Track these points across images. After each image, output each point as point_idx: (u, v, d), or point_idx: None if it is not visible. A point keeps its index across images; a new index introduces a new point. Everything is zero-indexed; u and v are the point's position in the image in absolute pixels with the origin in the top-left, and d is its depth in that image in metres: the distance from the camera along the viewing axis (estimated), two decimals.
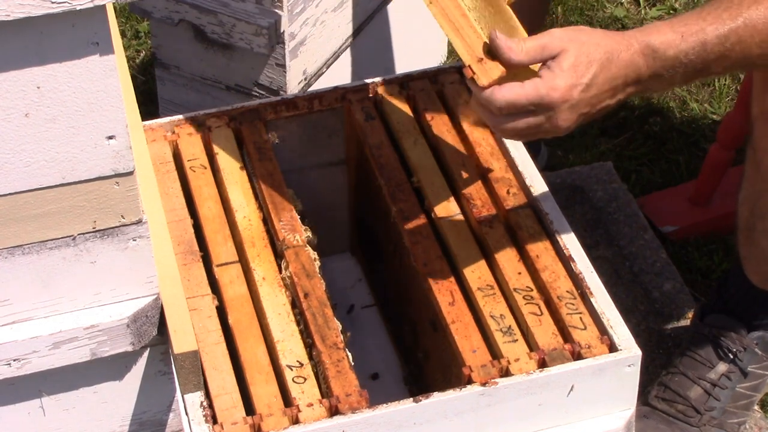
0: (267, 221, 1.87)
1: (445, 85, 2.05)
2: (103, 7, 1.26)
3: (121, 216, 1.42)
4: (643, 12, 3.02)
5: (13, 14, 1.23)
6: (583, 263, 1.79)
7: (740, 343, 2.10)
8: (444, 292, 1.77)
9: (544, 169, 2.61)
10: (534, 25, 2.41)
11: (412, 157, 1.95)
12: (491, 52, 1.61)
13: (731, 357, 2.10)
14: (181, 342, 1.49)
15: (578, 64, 1.60)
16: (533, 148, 2.55)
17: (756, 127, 1.92)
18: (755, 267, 2.04)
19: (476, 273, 1.79)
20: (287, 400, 1.65)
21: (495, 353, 1.70)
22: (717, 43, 1.62)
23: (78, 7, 1.24)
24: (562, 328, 1.72)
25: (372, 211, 2.04)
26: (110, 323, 1.49)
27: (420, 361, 1.94)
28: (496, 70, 1.61)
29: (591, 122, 2.76)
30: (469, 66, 1.61)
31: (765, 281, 2.05)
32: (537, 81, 1.60)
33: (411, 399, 1.63)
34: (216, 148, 1.97)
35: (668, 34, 1.62)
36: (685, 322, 2.33)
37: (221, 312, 1.76)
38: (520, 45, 1.60)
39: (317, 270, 1.80)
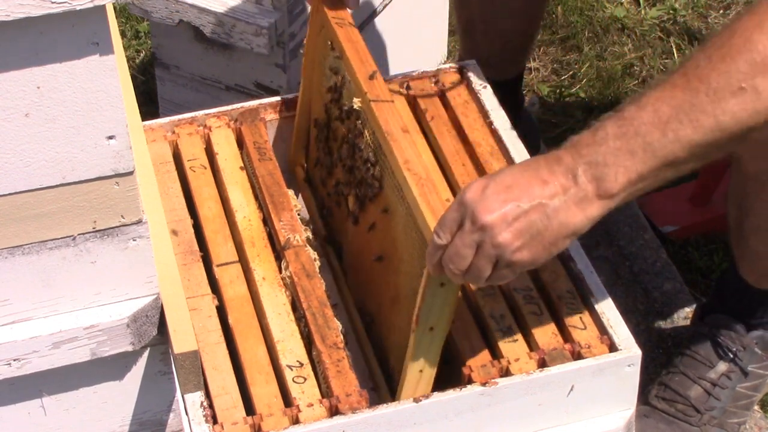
0: (267, 221, 1.87)
1: (445, 85, 2.05)
2: (103, 7, 1.26)
3: (121, 216, 1.42)
4: (643, 12, 3.02)
5: (13, 14, 1.23)
6: (583, 263, 1.79)
7: (740, 342, 2.10)
8: None
9: None
10: (532, 29, 2.42)
11: None
12: None
13: (731, 356, 2.10)
14: (181, 342, 1.49)
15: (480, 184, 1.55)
16: (533, 147, 2.55)
17: None
18: (748, 266, 2.04)
19: None
20: (287, 400, 1.65)
21: (495, 353, 1.70)
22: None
23: (78, 7, 1.24)
24: (562, 327, 1.72)
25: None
26: (110, 323, 1.49)
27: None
28: None
29: (591, 122, 2.77)
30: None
31: (759, 280, 2.05)
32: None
33: (411, 399, 1.63)
34: (216, 148, 1.97)
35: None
36: (685, 322, 2.33)
37: (221, 312, 1.76)
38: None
39: (317, 270, 1.80)
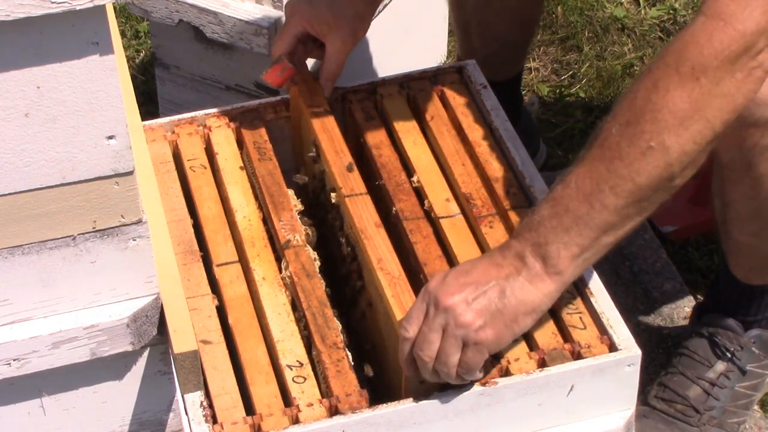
0: (267, 221, 1.87)
1: (445, 85, 2.05)
2: (103, 7, 1.26)
3: (121, 216, 1.43)
4: (642, 12, 3.02)
5: (13, 14, 1.23)
6: None
7: (737, 342, 2.10)
8: None
9: (543, 168, 2.61)
10: (527, 31, 2.42)
11: (412, 157, 1.95)
12: None
13: (729, 356, 2.10)
14: (181, 342, 1.49)
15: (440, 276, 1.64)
16: (532, 147, 2.55)
17: None
18: (736, 260, 2.05)
19: None
20: (287, 400, 1.65)
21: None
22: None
23: (78, 7, 1.24)
24: (562, 327, 1.72)
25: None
26: (110, 323, 1.49)
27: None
28: None
29: (591, 122, 2.77)
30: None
31: (747, 275, 2.06)
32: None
33: (411, 399, 1.64)
34: (216, 148, 1.97)
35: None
36: (685, 322, 2.33)
37: (221, 312, 1.76)
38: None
39: (317, 270, 1.80)
